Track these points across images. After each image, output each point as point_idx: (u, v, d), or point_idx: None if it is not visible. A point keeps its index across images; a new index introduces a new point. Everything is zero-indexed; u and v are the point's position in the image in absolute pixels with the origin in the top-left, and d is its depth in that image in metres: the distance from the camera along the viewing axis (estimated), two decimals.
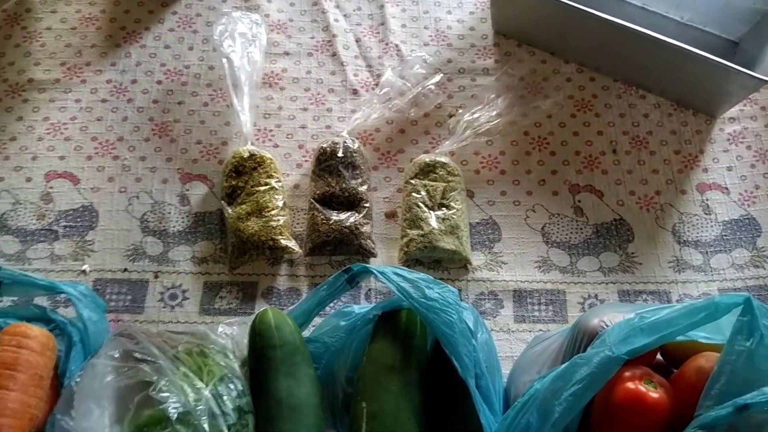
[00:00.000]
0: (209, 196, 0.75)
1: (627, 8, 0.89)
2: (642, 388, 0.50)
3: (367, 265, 0.61)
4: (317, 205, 0.71)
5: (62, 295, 0.61)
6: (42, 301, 0.68)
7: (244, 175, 0.72)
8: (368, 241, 0.71)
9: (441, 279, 0.70)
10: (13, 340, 0.57)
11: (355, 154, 0.74)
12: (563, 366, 0.52)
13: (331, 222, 0.70)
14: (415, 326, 0.60)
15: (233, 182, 0.72)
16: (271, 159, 0.74)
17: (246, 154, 0.73)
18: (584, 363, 0.51)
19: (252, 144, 0.75)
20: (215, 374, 0.57)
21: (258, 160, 0.73)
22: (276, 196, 0.71)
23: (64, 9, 0.89)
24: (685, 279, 0.71)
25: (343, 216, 0.70)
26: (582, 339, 0.56)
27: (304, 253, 0.71)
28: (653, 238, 0.73)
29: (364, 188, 0.73)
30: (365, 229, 0.71)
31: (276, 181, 0.72)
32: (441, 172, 0.74)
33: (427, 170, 0.74)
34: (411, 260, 0.72)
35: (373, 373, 0.59)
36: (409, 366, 0.59)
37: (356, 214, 0.71)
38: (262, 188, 0.71)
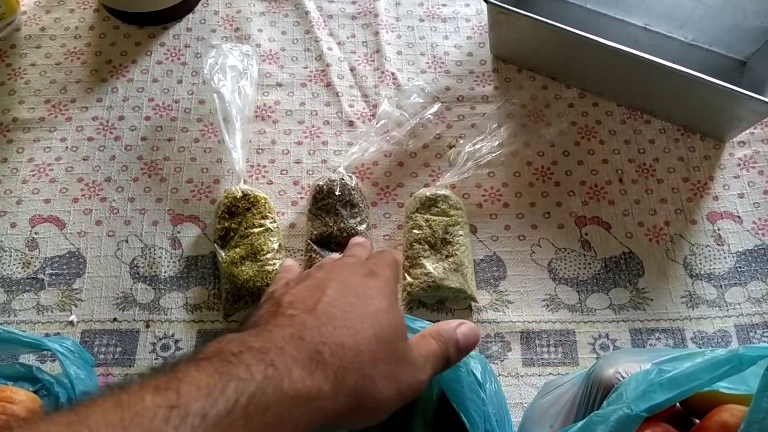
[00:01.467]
0: (201, 238, 0.72)
1: (629, 29, 0.87)
2: None
3: None
4: (315, 247, 0.69)
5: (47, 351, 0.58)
6: (28, 356, 0.65)
7: (237, 216, 0.69)
8: None
9: None
10: None
11: (353, 192, 0.71)
12: (579, 425, 0.49)
13: None
14: None
15: (226, 224, 0.69)
16: (265, 198, 0.71)
17: (239, 194, 0.70)
18: (601, 421, 0.48)
19: (245, 182, 0.72)
20: None
21: (251, 200, 0.70)
22: (271, 238, 0.68)
23: (48, 44, 0.86)
24: (699, 315, 0.68)
25: None
26: (597, 391, 0.54)
27: None
28: (664, 271, 0.71)
29: (363, 227, 0.70)
30: None
31: (271, 222, 0.69)
32: (443, 206, 0.71)
33: (429, 204, 0.71)
34: (414, 301, 0.69)
35: (376, 428, 0.56)
36: (415, 422, 0.56)
37: None
38: (257, 230, 0.68)
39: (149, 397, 0.29)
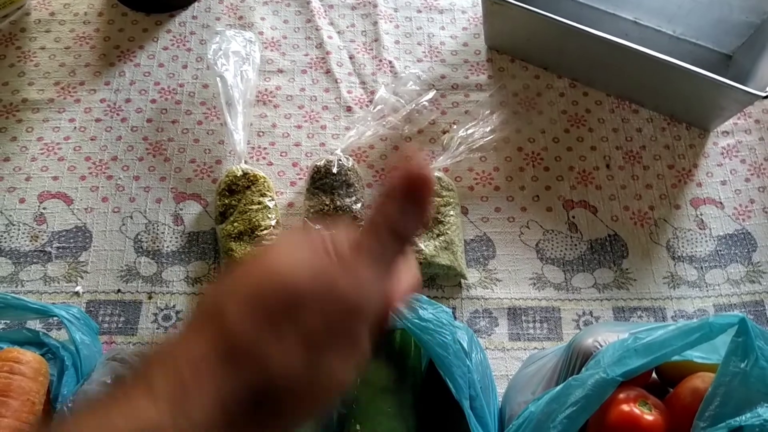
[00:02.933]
0: (203, 215, 0.75)
1: (619, 22, 0.90)
2: (637, 410, 0.50)
3: None
4: (311, 224, 0.71)
5: (55, 318, 0.61)
6: (35, 324, 0.68)
7: (237, 193, 0.72)
8: None
9: (435, 298, 0.70)
10: (5, 366, 0.56)
11: (349, 172, 0.74)
12: (558, 388, 0.52)
13: None
14: (410, 347, 0.60)
15: (226, 201, 0.72)
16: (264, 178, 0.74)
17: (239, 173, 0.73)
18: (579, 385, 0.51)
19: (246, 163, 0.75)
20: None
21: (251, 178, 0.73)
22: (269, 215, 0.71)
23: (58, 28, 0.89)
24: (680, 295, 0.71)
25: None
26: (576, 359, 0.56)
27: None
28: (648, 253, 0.73)
29: (358, 206, 0.73)
30: None
31: (269, 200, 0.72)
32: (435, 187, 0.73)
33: None
34: None
35: (367, 394, 0.58)
36: (404, 387, 0.59)
37: None
38: (255, 207, 0.71)
39: None
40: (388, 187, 0.31)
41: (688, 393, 0.53)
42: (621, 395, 0.52)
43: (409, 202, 0.31)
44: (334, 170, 0.73)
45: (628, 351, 0.51)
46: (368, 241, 0.30)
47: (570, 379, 0.52)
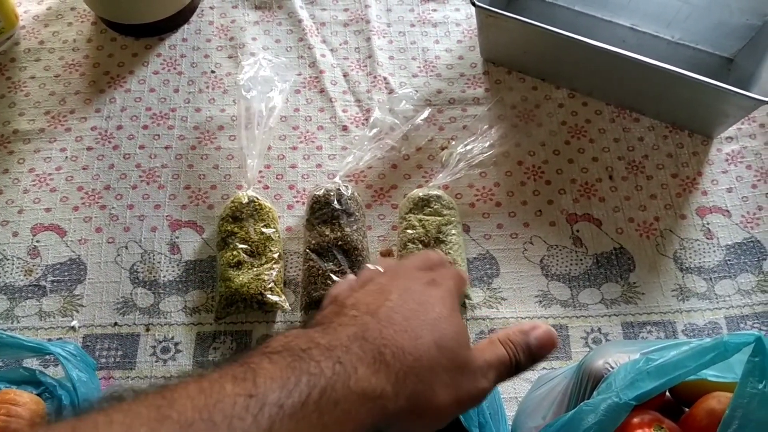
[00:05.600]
0: (200, 243, 0.74)
1: (616, 29, 0.88)
2: None
3: None
4: (313, 256, 0.70)
5: (52, 355, 0.59)
6: (31, 361, 0.66)
7: (240, 221, 0.70)
8: None
9: None
10: (2, 408, 0.55)
11: (349, 201, 0.72)
12: (570, 414, 0.50)
13: (328, 282, 0.68)
14: None
15: (228, 227, 0.70)
16: (270, 208, 0.72)
17: (245, 200, 0.71)
18: (591, 410, 0.49)
19: (253, 190, 0.73)
20: None
21: (256, 206, 0.71)
22: (272, 248, 0.69)
23: (47, 57, 0.88)
24: (690, 308, 0.69)
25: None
26: (587, 382, 0.55)
27: (300, 307, 0.70)
28: (655, 266, 0.72)
29: (359, 235, 0.71)
30: None
31: (273, 231, 0.71)
32: (436, 206, 0.72)
33: (422, 204, 0.72)
34: None
35: None
36: None
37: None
38: (257, 237, 0.69)
39: (229, 385, 0.31)
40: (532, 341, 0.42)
41: (704, 415, 0.51)
42: (635, 420, 0.50)
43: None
44: (335, 202, 0.71)
45: (641, 373, 0.50)
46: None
47: (582, 404, 0.50)
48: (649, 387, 0.49)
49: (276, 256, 0.70)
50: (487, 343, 0.43)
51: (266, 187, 0.77)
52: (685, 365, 0.49)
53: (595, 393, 0.52)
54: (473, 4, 0.76)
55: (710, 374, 0.53)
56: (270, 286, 0.67)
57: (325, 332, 0.37)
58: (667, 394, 0.57)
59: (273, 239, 0.70)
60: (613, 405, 0.49)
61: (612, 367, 0.54)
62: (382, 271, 0.44)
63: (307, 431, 0.32)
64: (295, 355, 0.34)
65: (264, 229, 0.70)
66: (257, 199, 0.72)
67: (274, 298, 0.67)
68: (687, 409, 0.55)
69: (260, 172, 0.78)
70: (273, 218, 0.72)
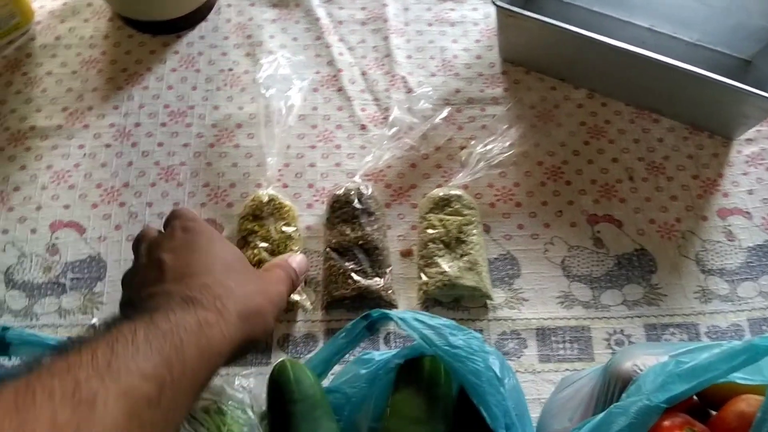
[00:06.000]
0: None
1: (634, 30, 0.88)
2: None
3: (387, 311, 0.59)
4: (333, 255, 0.70)
5: None
6: None
7: (261, 219, 0.70)
8: (388, 292, 0.69)
9: (461, 320, 0.68)
10: None
11: (369, 201, 0.72)
12: (599, 417, 0.50)
13: (349, 280, 0.68)
14: (440, 374, 0.58)
15: (249, 226, 0.70)
16: (290, 206, 0.72)
17: (265, 199, 0.71)
18: (621, 413, 0.49)
19: (273, 189, 0.73)
20: None
21: (276, 205, 0.71)
22: (293, 247, 0.69)
23: (64, 53, 0.87)
24: (713, 310, 0.69)
25: (365, 282, 0.68)
26: (615, 384, 0.54)
27: (321, 306, 0.70)
28: (677, 267, 0.71)
29: (380, 235, 0.71)
30: (385, 280, 0.69)
31: (294, 230, 0.70)
32: (456, 206, 0.72)
33: (442, 204, 0.72)
34: (430, 300, 0.70)
35: (397, 426, 0.56)
36: (435, 417, 0.57)
37: (378, 280, 0.69)
38: (278, 236, 0.69)
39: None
40: None
41: (734, 417, 0.51)
42: (666, 422, 0.50)
43: None
44: (355, 201, 0.71)
45: (671, 376, 0.49)
46: None
47: (612, 406, 0.50)
48: (681, 390, 0.48)
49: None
50: (265, 269, 0.61)
51: (285, 186, 0.77)
52: (717, 368, 0.49)
53: (623, 395, 0.52)
54: (493, 3, 0.76)
55: (739, 377, 0.53)
56: None
57: (156, 312, 0.44)
58: (695, 397, 0.57)
59: (294, 238, 0.70)
60: (643, 408, 0.49)
61: (640, 370, 0.54)
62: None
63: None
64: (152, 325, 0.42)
65: (285, 228, 0.70)
66: (277, 197, 0.72)
67: (296, 297, 0.67)
68: (714, 412, 0.55)
69: (279, 170, 0.78)
70: (293, 217, 0.72)
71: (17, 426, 0.32)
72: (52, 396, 0.34)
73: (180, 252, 0.52)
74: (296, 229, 0.71)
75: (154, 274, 0.51)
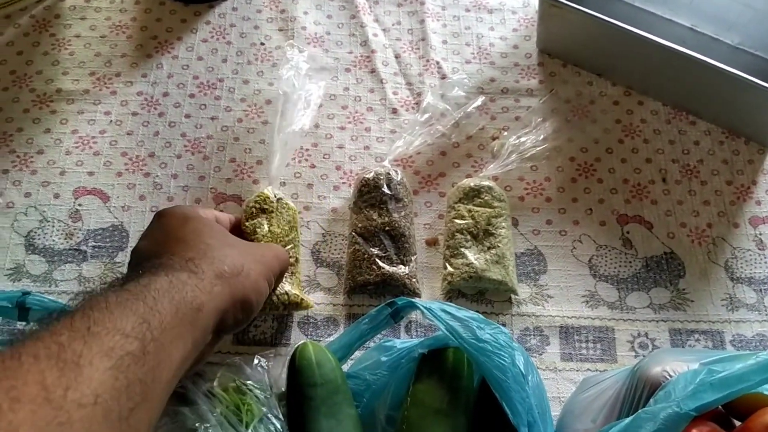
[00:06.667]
0: None
1: (676, 29, 0.86)
2: None
3: (413, 300, 0.58)
4: (359, 240, 0.68)
5: None
6: None
7: (267, 213, 0.68)
8: (413, 280, 0.68)
9: (484, 313, 0.67)
10: None
11: (398, 186, 0.71)
12: (626, 421, 0.49)
13: (373, 266, 0.67)
14: (463, 366, 0.57)
15: (254, 221, 0.67)
16: (294, 210, 0.70)
17: (271, 195, 0.69)
18: (649, 419, 0.48)
19: (275, 190, 0.70)
20: (254, 414, 0.54)
21: (283, 205, 0.69)
22: (292, 251, 0.67)
23: (93, 16, 0.86)
24: (739, 318, 0.68)
25: (389, 269, 0.67)
26: (643, 389, 0.54)
27: (343, 290, 0.69)
28: (705, 273, 0.70)
29: (407, 222, 0.70)
30: (410, 268, 0.68)
31: (293, 236, 0.68)
32: (486, 197, 0.71)
33: (472, 195, 0.71)
34: (453, 291, 0.69)
35: (418, 416, 0.56)
36: (457, 409, 0.56)
37: (403, 268, 0.68)
38: (279, 230, 0.67)
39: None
40: None
41: (762, 429, 0.50)
42: (693, 431, 0.49)
43: None
44: (384, 186, 0.70)
45: (703, 384, 0.49)
46: None
47: (640, 411, 0.49)
48: (712, 399, 0.48)
49: (293, 260, 0.66)
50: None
51: (312, 166, 0.76)
52: (750, 379, 0.48)
53: (651, 401, 0.51)
54: None
55: (766, 388, 0.52)
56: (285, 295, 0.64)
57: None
58: (719, 406, 0.56)
59: (294, 244, 0.68)
60: (673, 414, 0.48)
61: (670, 375, 0.53)
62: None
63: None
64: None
65: (288, 231, 0.68)
66: (281, 196, 0.70)
67: (294, 291, 0.65)
68: (737, 422, 0.54)
69: (307, 150, 0.77)
70: (295, 221, 0.69)
71: (8, 388, 0.32)
72: (37, 359, 0.34)
73: (152, 236, 0.54)
74: (296, 234, 0.69)
75: (131, 265, 0.53)
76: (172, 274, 0.46)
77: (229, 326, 0.50)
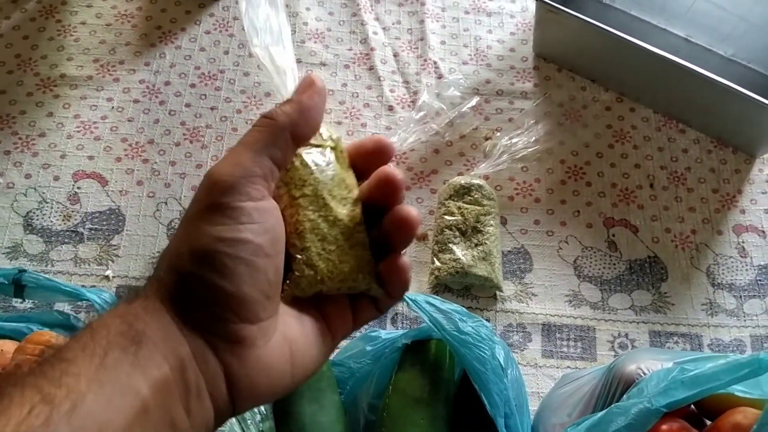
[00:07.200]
0: None
1: (670, 38, 0.88)
2: None
3: None
4: None
5: (84, 301, 0.60)
6: (63, 306, 0.67)
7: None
8: None
9: (469, 308, 0.69)
10: (36, 349, 0.56)
11: None
12: (599, 414, 0.51)
13: None
14: (444, 358, 0.59)
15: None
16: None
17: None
18: (621, 413, 0.50)
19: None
20: None
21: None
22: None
23: (100, 4, 0.88)
24: (718, 323, 0.70)
25: None
26: (617, 385, 0.55)
27: None
28: (687, 278, 0.72)
29: None
30: None
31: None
32: (476, 195, 0.72)
33: (462, 192, 0.73)
34: (440, 285, 0.70)
35: (399, 404, 0.57)
36: (437, 399, 0.58)
37: None
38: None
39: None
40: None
41: (730, 428, 0.52)
42: (663, 426, 0.51)
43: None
44: None
45: (675, 382, 0.50)
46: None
47: (613, 406, 0.51)
48: (682, 396, 0.49)
49: None
50: None
51: None
52: (719, 378, 0.49)
53: (625, 397, 0.52)
54: None
55: (739, 389, 0.54)
56: None
57: None
58: (692, 405, 0.58)
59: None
60: (644, 410, 0.49)
61: (644, 373, 0.54)
62: None
63: None
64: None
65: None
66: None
67: None
68: (709, 422, 0.56)
69: None
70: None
71: None
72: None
73: None
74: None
75: None
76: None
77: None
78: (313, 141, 0.36)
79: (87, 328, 0.29)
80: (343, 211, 0.36)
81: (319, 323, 0.35)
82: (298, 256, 0.35)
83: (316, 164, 0.36)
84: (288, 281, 0.35)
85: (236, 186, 0.31)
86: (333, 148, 0.38)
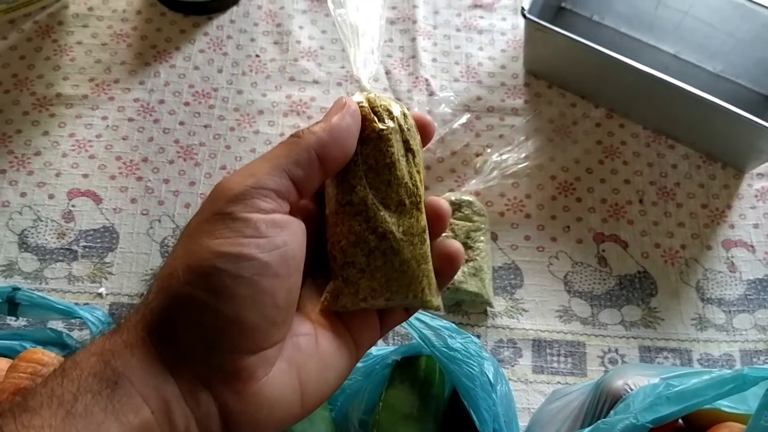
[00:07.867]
0: None
1: (659, 55, 0.89)
2: None
3: None
4: None
5: (77, 319, 0.60)
6: (56, 323, 0.68)
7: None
8: None
9: (460, 324, 0.69)
10: (29, 367, 0.56)
11: None
12: (586, 430, 0.51)
13: None
14: (434, 374, 0.60)
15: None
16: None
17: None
18: (608, 429, 0.50)
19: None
20: None
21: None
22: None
23: (95, 24, 0.89)
24: (707, 338, 0.70)
25: None
26: (605, 401, 0.56)
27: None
28: (677, 293, 0.72)
29: None
30: None
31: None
32: (467, 211, 0.73)
33: (453, 208, 0.73)
34: None
35: (389, 420, 0.58)
36: (427, 415, 0.58)
37: None
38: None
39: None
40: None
41: None
42: None
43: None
44: None
45: (660, 398, 0.51)
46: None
47: (599, 422, 0.51)
48: (667, 412, 0.50)
49: None
50: None
51: None
52: (704, 393, 0.50)
53: (612, 412, 0.53)
54: (523, 15, 0.77)
55: (724, 404, 0.54)
56: None
57: None
58: (680, 421, 0.58)
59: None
60: (630, 426, 0.50)
61: (631, 389, 0.55)
62: None
63: None
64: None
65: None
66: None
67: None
68: None
69: None
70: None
71: None
72: None
73: None
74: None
75: None
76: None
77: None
78: (378, 124, 0.33)
79: (59, 368, 0.27)
80: (398, 221, 0.32)
81: (340, 338, 0.32)
82: (339, 272, 0.32)
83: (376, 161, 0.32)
84: (325, 296, 0.32)
85: (244, 195, 0.28)
86: (401, 131, 0.32)
